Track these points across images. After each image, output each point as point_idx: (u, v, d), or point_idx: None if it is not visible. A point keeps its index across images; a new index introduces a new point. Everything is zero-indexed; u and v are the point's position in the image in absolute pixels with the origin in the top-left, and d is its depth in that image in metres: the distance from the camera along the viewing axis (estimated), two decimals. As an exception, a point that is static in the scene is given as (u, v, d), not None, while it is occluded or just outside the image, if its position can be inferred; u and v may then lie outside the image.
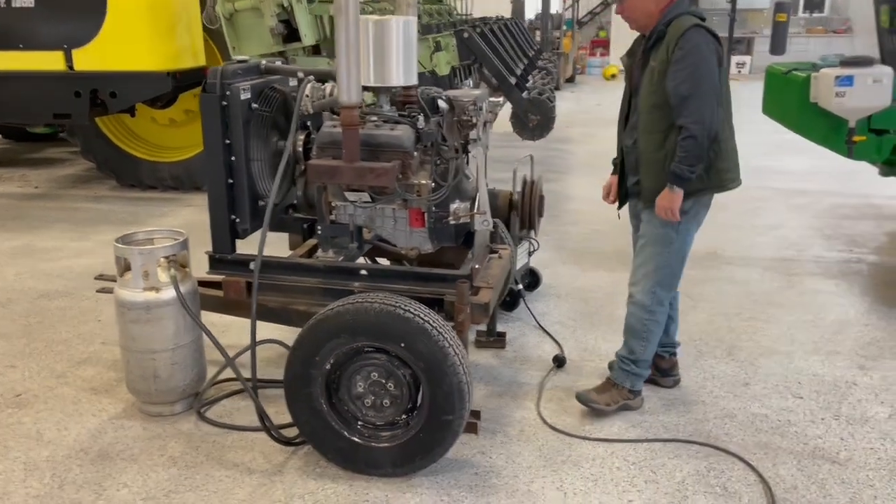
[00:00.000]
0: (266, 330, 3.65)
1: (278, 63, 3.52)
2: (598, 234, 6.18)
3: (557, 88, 13.75)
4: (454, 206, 3.28)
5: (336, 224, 3.37)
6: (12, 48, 6.89)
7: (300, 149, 3.31)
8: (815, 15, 20.85)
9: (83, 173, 8.71)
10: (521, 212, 3.67)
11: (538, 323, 4.39)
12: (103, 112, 7.18)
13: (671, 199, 3.12)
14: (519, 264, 4.21)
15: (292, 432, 3.12)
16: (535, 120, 7.95)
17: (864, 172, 6.37)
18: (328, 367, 2.91)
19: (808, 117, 5.11)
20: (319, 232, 3.42)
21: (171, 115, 7.90)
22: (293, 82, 3.43)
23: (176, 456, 3.16)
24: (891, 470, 3.07)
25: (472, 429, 3.05)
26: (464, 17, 11.76)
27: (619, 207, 3.61)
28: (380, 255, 3.83)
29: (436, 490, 2.94)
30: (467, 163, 3.36)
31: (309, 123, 3.41)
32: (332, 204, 3.34)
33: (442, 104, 3.22)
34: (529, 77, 9.57)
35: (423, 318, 2.81)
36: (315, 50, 6.59)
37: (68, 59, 6.84)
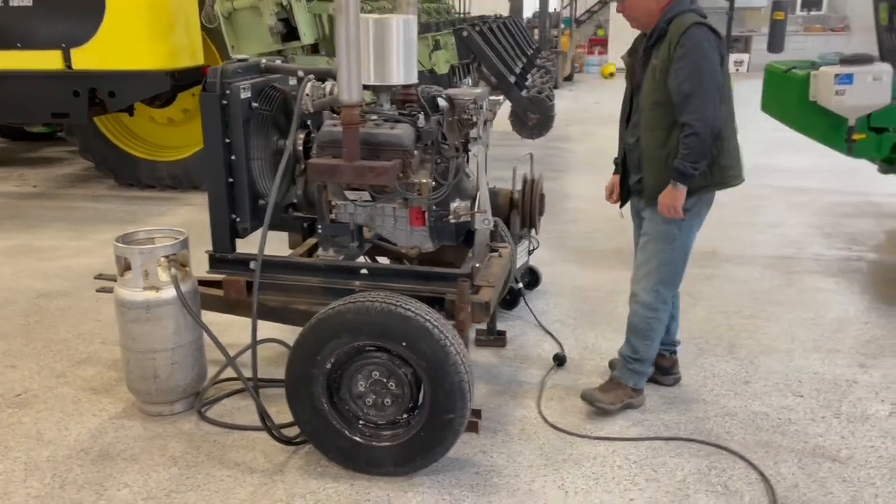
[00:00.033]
0: (266, 329, 3.65)
1: (278, 62, 3.51)
2: (598, 232, 6.18)
3: (556, 87, 13.74)
4: (454, 204, 3.27)
5: (336, 223, 3.37)
6: (10, 47, 6.88)
7: (300, 148, 3.30)
8: (812, 13, 20.86)
9: (81, 172, 8.70)
10: (521, 210, 3.67)
11: (538, 321, 4.39)
12: (102, 111, 7.17)
13: (674, 196, 3.12)
14: (519, 263, 4.21)
15: (293, 432, 3.12)
16: (534, 119, 7.94)
17: (864, 170, 6.37)
18: (329, 366, 2.90)
19: (807, 115, 5.11)
20: (320, 231, 3.41)
21: (169, 115, 7.89)
22: (293, 81, 3.42)
23: (177, 456, 3.15)
24: (892, 468, 3.07)
25: (473, 428, 3.05)
26: (462, 15, 11.76)
27: (621, 206, 3.61)
28: (380, 254, 3.82)
29: (437, 489, 2.94)
30: (467, 161, 3.36)
31: (309, 122, 3.41)
32: (333, 203, 3.33)
33: (442, 103, 3.22)
34: (528, 76, 9.57)
35: (424, 317, 2.81)
36: (314, 49, 6.58)
37: (66, 58, 6.83)
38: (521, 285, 4.48)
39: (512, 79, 8.31)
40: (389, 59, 3.05)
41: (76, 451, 3.19)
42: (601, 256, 5.62)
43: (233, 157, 3.22)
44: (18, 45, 6.88)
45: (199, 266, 3.42)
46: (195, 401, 3.49)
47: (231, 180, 3.25)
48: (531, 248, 4.63)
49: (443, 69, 8.01)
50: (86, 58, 6.80)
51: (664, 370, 3.70)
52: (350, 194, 3.25)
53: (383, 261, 3.89)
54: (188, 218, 6.72)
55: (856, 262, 5.52)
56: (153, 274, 3.23)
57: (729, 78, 3.19)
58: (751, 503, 2.86)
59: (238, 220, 3.32)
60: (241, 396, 3.57)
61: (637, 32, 3.38)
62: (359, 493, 2.91)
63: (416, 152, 3.09)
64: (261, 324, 3.07)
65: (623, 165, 3.48)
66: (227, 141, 3.20)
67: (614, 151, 3.59)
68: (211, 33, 7.00)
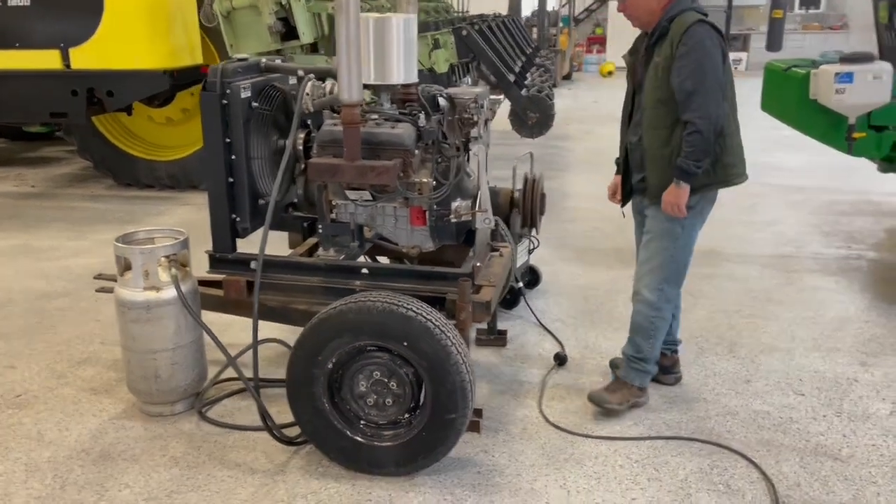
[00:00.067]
0: (267, 329, 3.65)
1: (278, 61, 3.50)
2: (598, 231, 6.18)
3: (555, 86, 13.74)
4: (455, 204, 3.27)
5: (337, 223, 3.36)
6: (9, 47, 6.87)
7: (301, 147, 3.30)
8: (811, 11, 20.86)
9: (80, 172, 8.68)
10: (522, 209, 3.67)
11: (539, 321, 4.38)
12: (100, 111, 7.15)
13: (677, 194, 3.12)
14: (519, 262, 4.20)
15: (294, 432, 3.11)
16: (534, 118, 7.94)
17: (862, 169, 6.38)
18: (330, 366, 2.90)
19: (807, 114, 5.10)
20: (320, 230, 3.41)
21: (167, 114, 7.88)
22: (293, 80, 3.41)
23: (177, 456, 3.14)
24: (893, 466, 3.07)
25: (474, 427, 3.04)
26: (461, 14, 11.74)
27: (623, 205, 3.61)
28: (381, 254, 3.82)
29: (439, 489, 2.94)
30: (468, 161, 3.36)
31: (309, 122, 3.40)
32: (333, 202, 3.33)
33: (442, 102, 3.21)
34: (528, 74, 9.57)
35: (425, 317, 2.80)
36: (313, 48, 6.57)
37: (65, 57, 6.81)
38: (521, 284, 4.48)
39: (511, 77, 8.32)
40: (390, 58, 3.04)
41: (77, 452, 3.18)
42: (601, 255, 5.61)
43: (233, 157, 3.21)
44: (17, 44, 6.87)
45: (199, 266, 3.41)
46: (196, 401, 3.49)
47: (231, 180, 3.24)
48: (531, 247, 4.63)
49: (442, 68, 8.01)
50: (84, 57, 6.79)
51: (665, 369, 3.70)
52: (351, 194, 3.24)
53: (384, 260, 3.89)
54: (187, 217, 6.71)
55: (855, 261, 5.52)
56: (153, 274, 3.22)
57: (731, 75, 3.19)
58: (752, 502, 2.86)
59: (238, 219, 3.31)
60: (242, 397, 3.56)
61: (638, 31, 3.38)
62: (360, 494, 2.90)
63: (416, 152, 3.08)
64: (261, 324, 3.06)
65: (625, 164, 3.47)
66: (228, 140, 3.19)
67: (614, 150, 3.58)
68: (210, 32, 6.98)
